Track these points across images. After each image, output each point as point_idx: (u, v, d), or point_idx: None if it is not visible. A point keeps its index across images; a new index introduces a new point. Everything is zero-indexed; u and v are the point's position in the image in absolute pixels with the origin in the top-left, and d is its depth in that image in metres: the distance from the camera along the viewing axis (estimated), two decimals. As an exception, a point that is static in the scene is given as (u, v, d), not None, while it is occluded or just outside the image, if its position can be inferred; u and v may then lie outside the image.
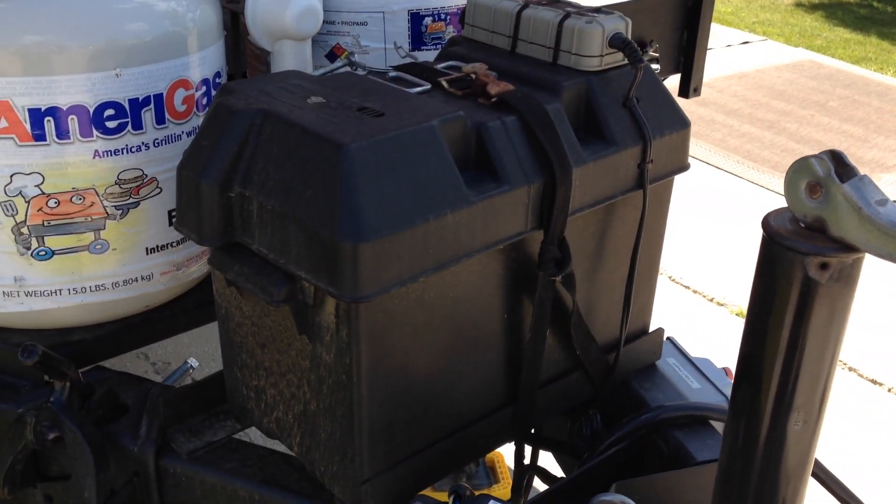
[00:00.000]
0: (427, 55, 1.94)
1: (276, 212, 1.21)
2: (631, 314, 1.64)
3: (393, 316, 1.24)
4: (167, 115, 1.55)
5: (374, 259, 1.15)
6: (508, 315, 1.44)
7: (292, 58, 1.80)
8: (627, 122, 1.49)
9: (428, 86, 1.44)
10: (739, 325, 3.67)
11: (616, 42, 1.47)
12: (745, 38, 7.56)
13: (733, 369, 1.98)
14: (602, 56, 1.48)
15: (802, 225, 1.03)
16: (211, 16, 1.66)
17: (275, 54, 1.81)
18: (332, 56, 1.94)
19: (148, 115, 1.52)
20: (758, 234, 1.06)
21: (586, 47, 1.47)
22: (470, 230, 1.27)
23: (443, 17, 1.92)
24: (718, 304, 3.83)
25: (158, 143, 1.55)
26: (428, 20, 1.91)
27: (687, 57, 3.24)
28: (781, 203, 1.07)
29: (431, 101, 1.38)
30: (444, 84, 1.44)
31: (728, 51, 7.08)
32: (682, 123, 1.58)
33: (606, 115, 1.47)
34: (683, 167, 1.60)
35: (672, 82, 3.04)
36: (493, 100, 1.38)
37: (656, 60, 3.04)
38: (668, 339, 1.90)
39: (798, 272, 1.01)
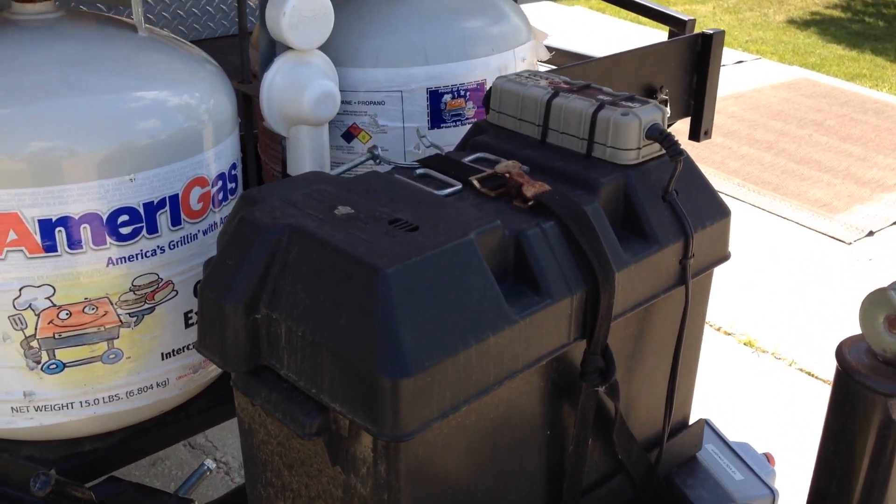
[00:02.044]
0: (447, 133, 1.87)
1: (307, 339, 1.14)
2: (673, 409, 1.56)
3: (433, 447, 1.16)
4: (183, 216, 1.48)
5: (415, 394, 1.07)
6: (550, 426, 1.36)
7: (309, 143, 1.73)
8: (668, 217, 1.42)
9: (459, 186, 1.37)
10: (747, 354, 3.62)
11: (654, 134, 1.41)
12: (738, 58, 7.51)
13: (773, 453, 1.91)
14: (639, 149, 1.42)
15: (881, 360, 0.95)
16: (226, 106, 1.59)
17: (291, 139, 1.74)
18: (348, 136, 1.87)
19: (163, 218, 1.45)
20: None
21: (623, 140, 1.41)
22: (513, 350, 1.19)
23: (462, 93, 1.86)
24: (726, 333, 3.73)
25: (174, 245, 1.48)
26: (447, 97, 1.85)
27: (697, 100, 3.19)
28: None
29: (464, 206, 1.31)
30: (476, 184, 1.36)
31: (723, 70, 7.03)
32: (722, 213, 1.51)
33: (646, 212, 1.40)
34: (725, 257, 1.53)
35: (682, 125, 2.99)
36: (530, 203, 1.31)
37: (666, 103, 3.00)
38: (704, 422, 1.82)
39: (879, 414, 0.94)
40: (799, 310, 3.54)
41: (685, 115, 3.15)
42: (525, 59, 1.98)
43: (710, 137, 3.28)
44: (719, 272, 1.50)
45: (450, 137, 1.88)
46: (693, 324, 1.53)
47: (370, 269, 1.10)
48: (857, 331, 1.08)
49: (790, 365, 3.33)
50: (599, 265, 1.28)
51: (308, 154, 1.74)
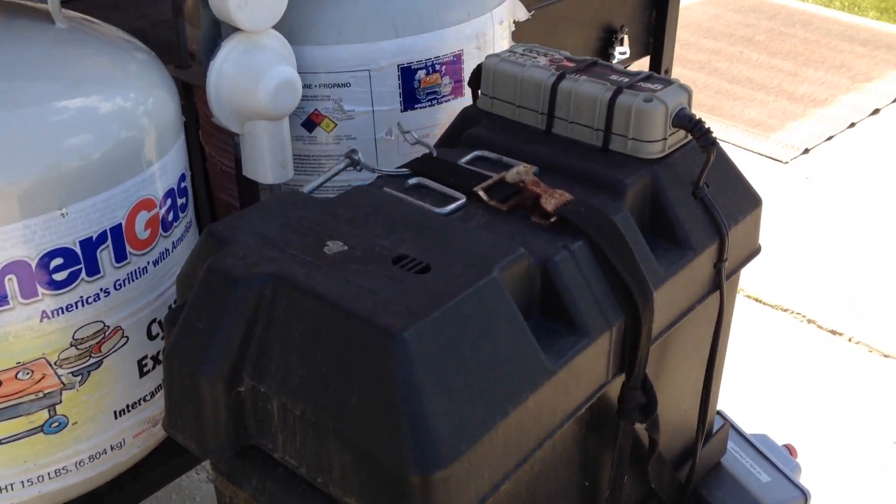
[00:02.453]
0: (422, 114, 1.64)
1: (308, 419, 0.93)
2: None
3: (468, 530, 0.97)
4: (129, 249, 1.24)
5: (450, 486, 0.88)
6: (584, 471, 1.18)
7: (268, 139, 1.48)
8: (700, 216, 1.23)
9: (462, 199, 1.15)
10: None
11: (682, 121, 1.20)
12: (664, -25, 7.28)
13: (793, 443, 1.77)
14: (665, 139, 1.22)
15: None
16: (168, 104, 1.33)
17: (246, 136, 1.49)
18: (309, 125, 1.62)
19: (105, 255, 1.21)
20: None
21: (648, 131, 1.20)
22: (552, 405, 1.00)
23: (437, 68, 1.62)
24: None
25: (120, 284, 1.24)
26: (421, 74, 1.61)
27: (656, 38, 3.02)
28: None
29: (476, 229, 1.10)
30: (483, 195, 1.15)
31: (649, -12, 6.80)
32: (754, 202, 1.33)
33: (677, 213, 1.20)
34: (756, 251, 1.36)
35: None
36: (552, 219, 1.10)
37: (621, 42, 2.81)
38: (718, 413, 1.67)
39: None
40: None
41: (644, 55, 2.98)
42: (503, 22, 1.75)
43: (670, 76, 3.11)
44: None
45: (425, 119, 1.65)
46: (723, 327, 1.36)
47: (384, 333, 0.89)
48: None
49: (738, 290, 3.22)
50: (638, 289, 1.09)
51: (267, 152, 1.49)
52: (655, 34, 2.98)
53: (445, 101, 1.66)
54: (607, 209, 1.14)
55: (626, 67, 1.33)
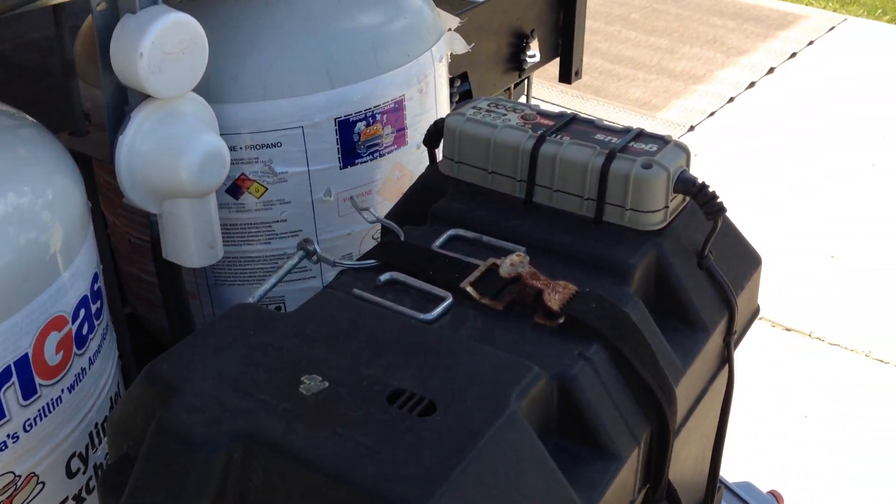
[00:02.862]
0: (364, 170, 1.45)
1: None
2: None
3: None
4: (38, 380, 1.01)
5: None
6: None
7: (192, 220, 1.27)
8: (708, 289, 1.10)
9: (449, 299, 0.98)
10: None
11: (686, 187, 1.06)
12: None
13: (778, 489, 1.68)
14: (667, 207, 1.07)
15: None
16: (72, 191, 1.11)
17: (165, 216, 1.27)
18: (235, 190, 1.41)
19: (10, 394, 0.98)
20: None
21: (649, 201, 1.06)
22: (588, 553, 0.85)
23: (377, 117, 1.43)
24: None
25: (30, 424, 1.01)
26: (360, 126, 1.42)
27: (565, 39, 2.92)
28: None
29: (470, 337, 0.92)
30: (473, 293, 0.98)
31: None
32: (754, 263, 1.20)
33: (688, 290, 1.06)
34: (756, 312, 1.23)
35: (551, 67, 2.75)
36: (560, 319, 0.94)
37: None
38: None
39: None
40: None
41: (553, 56, 2.88)
42: (442, 59, 1.58)
43: (580, 77, 3.02)
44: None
45: (367, 174, 1.47)
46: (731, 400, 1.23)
47: (396, 509, 0.71)
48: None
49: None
50: (665, 395, 0.94)
51: (192, 233, 1.28)
52: (564, 36, 2.89)
53: (388, 153, 1.48)
54: (616, 298, 0.98)
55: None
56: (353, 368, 0.85)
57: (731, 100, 4.43)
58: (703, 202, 1.05)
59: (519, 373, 0.85)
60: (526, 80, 2.86)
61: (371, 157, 1.46)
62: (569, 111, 1.18)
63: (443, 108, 1.61)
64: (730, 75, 4.66)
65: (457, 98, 2.23)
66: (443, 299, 0.98)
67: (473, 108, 1.19)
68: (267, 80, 1.35)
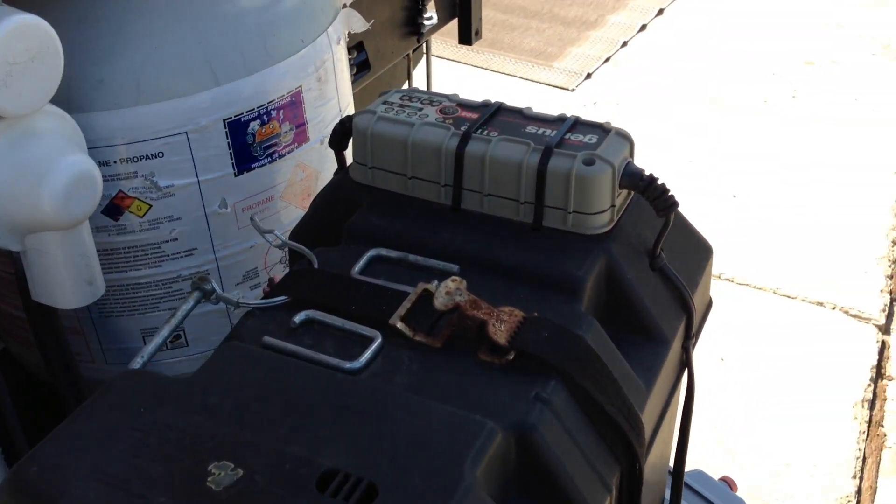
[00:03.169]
0: (263, 175, 1.29)
1: None
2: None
3: None
4: None
5: None
6: None
7: (63, 255, 1.08)
8: (663, 294, 0.98)
9: (377, 339, 0.83)
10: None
11: (633, 182, 0.94)
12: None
13: (730, 475, 1.61)
14: (614, 206, 0.95)
15: None
16: None
17: (30, 255, 1.08)
18: (114, 210, 1.22)
19: None
20: None
21: (594, 201, 0.93)
22: None
23: (273, 114, 1.26)
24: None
25: None
26: (254, 125, 1.25)
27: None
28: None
29: (407, 387, 0.79)
30: (405, 329, 0.84)
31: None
32: (706, 253, 1.10)
33: (643, 299, 0.95)
34: (710, 305, 1.13)
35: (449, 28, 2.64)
36: (509, 355, 0.81)
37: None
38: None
39: None
40: None
41: (451, 18, 2.74)
42: (340, 41, 1.41)
43: (480, 37, 2.89)
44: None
45: (267, 179, 1.30)
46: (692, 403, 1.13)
47: None
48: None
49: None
50: (633, 430, 0.83)
51: (65, 270, 1.10)
52: (462, -5, 2.74)
53: (288, 153, 1.31)
54: (568, 320, 0.86)
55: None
56: (272, 447, 0.70)
57: (625, 44, 4.39)
58: (653, 198, 0.93)
59: (471, 433, 0.72)
60: (425, 44, 2.71)
61: (269, 159, 1.29)
62: (492, 101, 1.04)
63: (345, 96, 1.44)
64: (621, 20, 4.63)
65: (354, 71, 2.06)
66: (371, 340, 0.84)
67: (384, 103, 1.04)
68: (140, 80, 1.17)
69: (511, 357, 0.81)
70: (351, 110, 1.49)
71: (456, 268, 0.92)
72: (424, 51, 2.74)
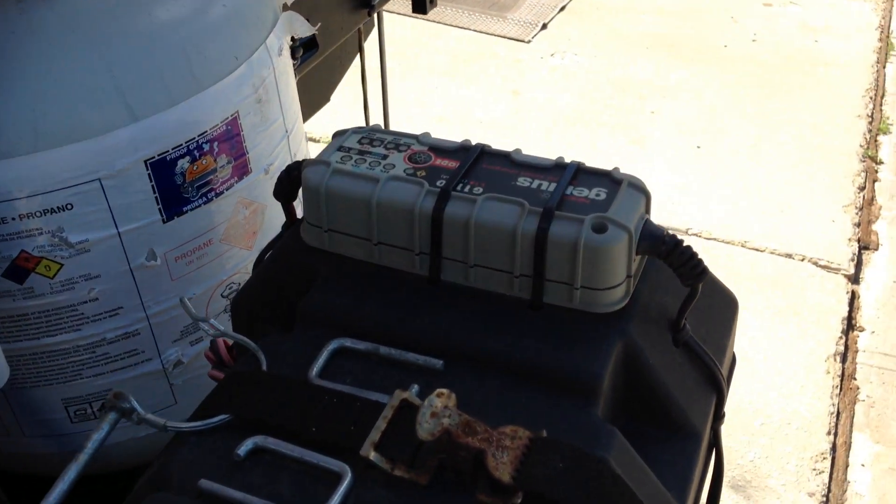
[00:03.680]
0: (199, 218, 1.09)
1: None
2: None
3: None
4: None
5: None
6: None
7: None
8: (690, 374, 0.81)
9: (347, 477, 0.65)
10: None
11: (652, 247, 0.77)
12: None
13: None
14: (630, 276, 0.77)
15: None
16: None
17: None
18: (18, 273, 1.02)
19: None
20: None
21: (607, 275, 0.75)
22: None
23: (205, 147, 1.06)
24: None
25: None
26: (183, 163, 1.05)
27: None
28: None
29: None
30: (380, 462, 0.66)
31: None
32: (731, 308, 0.93)
33: (669, 388, 0.78)
34: (734, 363, 0.97)
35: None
36: (516, 498, 0.64)
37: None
38: None
39: None
40: (513, 120, 3.21)
41: None
42: (283, 51, 1.20)
43: (436, 6, 2.69)
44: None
45: (202, 222, 1.10)
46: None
47: None
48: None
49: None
50: (670, 569, 0.66)
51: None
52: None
53: (226, 189, 1.12)
54: (584, 435, 0.68)
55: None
56: None
57: (578, -10, 4.20)
58: (678, 265, 0.76)
59: None
60: (377, 17, 2.49)
61: (204, 199, 1.09)
62: (472, 142, 0.85)
63: (292, 114, 1.24)
64: (575, -35, 4.44)
65: (300, 53, 1.84)
66: (338, 477, 0.66)
67: (340, 150, 0.85)
68: (37, 121, 0.96)
69: (518, 501, 0.64)
70: (299, 128, 1.29)
71: (439, 363, 0.74)
72: (376, 22, 2.53)
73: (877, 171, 2.91)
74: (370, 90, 2.23)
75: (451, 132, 3.01)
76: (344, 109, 2.19)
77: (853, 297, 2.41)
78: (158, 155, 1.02)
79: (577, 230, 0.74)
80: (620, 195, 0.77)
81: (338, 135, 0.88)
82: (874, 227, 2.65)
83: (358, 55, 2.17)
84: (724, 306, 0.91)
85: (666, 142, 3.05)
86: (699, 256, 0.77)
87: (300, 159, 0.89)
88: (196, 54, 1.04)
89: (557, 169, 0.81)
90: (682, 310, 0.79)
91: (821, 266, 2.51)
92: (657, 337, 0.79)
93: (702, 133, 3.11)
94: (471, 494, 0.65)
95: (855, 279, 2.46)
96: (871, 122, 3.16)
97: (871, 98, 3.28)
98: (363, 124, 1.45)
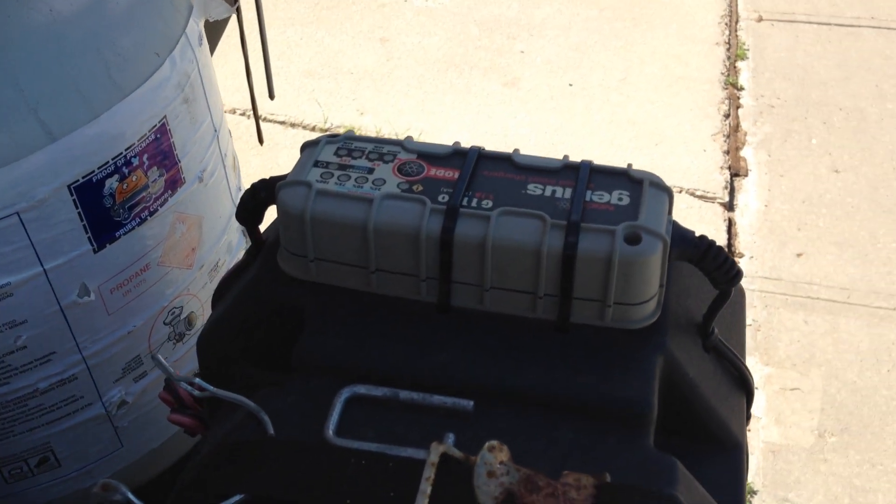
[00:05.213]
0: (130, 241, 0.96)
1: None
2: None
3: None
4: None
5: None
6: None
7: None
8: (721, 378, 0.76)
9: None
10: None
11: (686, 252, 0.70)
12: None
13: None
14: (663, 287, 0.71)
15: None
16: None
17: None
18: (-72, 330, 0.87)
19: None
20: None
21: (642, 288, 0.68)
22: None
23: (134, 162, 0.92)
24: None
25: None
26: (112, 182, 0.91)
27: None
28: None
29: None
30: (437, 538, 0.58)
31: None
32: (741, 299, 0.88)
33: (708, 399, 0.72)
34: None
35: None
36: (598, 561, 0.57)
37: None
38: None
39: None
40: (385, 69, 3.13)
41: None
42: (202, 40, 1.07)
43: None
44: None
45: (137, 247, 0.97)
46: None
47: None
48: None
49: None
50: None
51: None
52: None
53: (160, 206, 0.99)
54: (645, 471, 0.62)
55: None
56: None
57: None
58: (712, 269, 0.70)
59: None
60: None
61: (137, 221, 0.96)
62: (465, 146, 0.76)
63: (218, 110, 1.11)
64: None
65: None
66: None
67: (317, 165, 0.74)
68: (-64, 153, 0.80)
69: (599, 563, 0.57)
70: (225, 122, 1.16)
71: (469, 404, 0.66)
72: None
73: (739, 98, 2.96)
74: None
75: (322, 87, 2.87)
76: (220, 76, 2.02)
77: (730, 225, 2.46)
78: (83, 178, 0.88)
79: (608, 243, 0.67)
80: (645, 198, 0.70)
81: (308, 146, 0.77)
82: (742, 153, 2.70)
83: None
84: (735, 300, 0.86)
85: (539, 81, 3.00)
86: (732, 259, 0.71)
87: (264, 178, 0.78)
88: (112, 54, 0.90)
89: (568, 171, 0.73)
90: (711, 314, 0.74)
91: (698, 196, 2.54)
92: (690, 346, 0.73)
93: (573, 70, 3.07)
94: (541, 560, 0.58)
95: (730, 206, 2.50)
96: (728, 49, 3.20)
97: (726, 24, 3.31)
98: (247, 91, 1.27)
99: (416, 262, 0.70)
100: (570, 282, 0.68)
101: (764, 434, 1.82)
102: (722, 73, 3.03)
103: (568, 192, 0.71)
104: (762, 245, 2.29)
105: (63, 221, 0.88)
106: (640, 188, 0.71)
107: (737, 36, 3.31)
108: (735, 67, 3.11)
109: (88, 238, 0.91)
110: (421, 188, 0.72)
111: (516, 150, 0.76)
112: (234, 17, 1.22)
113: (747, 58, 3.14)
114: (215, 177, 1.06)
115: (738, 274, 0.71)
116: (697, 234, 0.71)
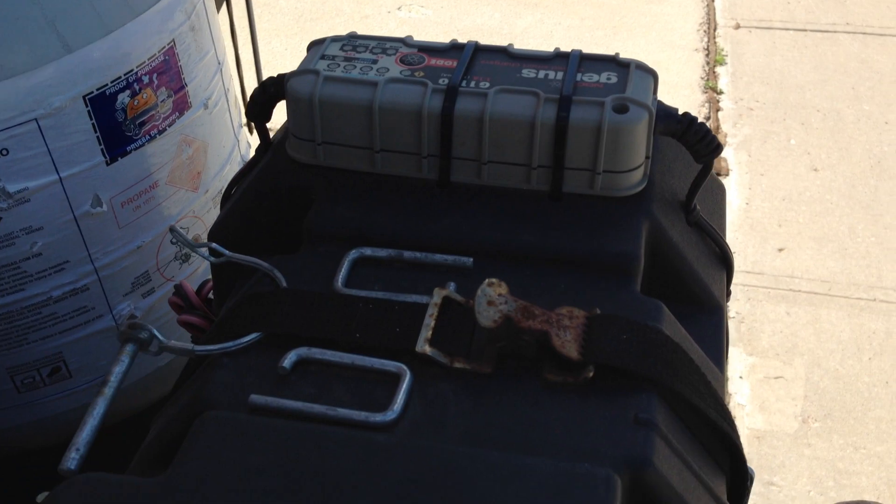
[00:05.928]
0: (145, 158, 1.01)
1: None
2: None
3: None
4: None
5: None
6: None
7: None
8: (704, 252, 0.82)
9: (406, 376, 0.62)
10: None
11: (670, 126, 0.76)
12: None
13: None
14: (649, 158, 0.77)
15: None
16: None
17: None
18: (-50, 232, 0.91)
19: None
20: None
21: (629, 156, 0.74)
22: None
23: (145, 80, 0.98)
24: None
25: None
26: (124, 98, 0.96)
27: None
28: None
29: (463, 437, 0.59)
30: (437, 356, 0.63)
31: None
32: (720, 191, 0.95)
33: (692, 264, 0.78)
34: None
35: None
36: (588, 372, 0.62)
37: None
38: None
39: None
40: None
41: None
42: (208, -22, 1.12)
43: None
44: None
45: (149, 162, 1.02)
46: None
47: None
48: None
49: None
50: (732, 430, 0.67)
51: None
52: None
53: (169, 126, 1.04)
54: (634, 310, 0.68)
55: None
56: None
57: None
58: (694, 142, 0.76)
59: (586, 493, 0.53)
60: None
61: (147, 138, 1.01)
62: (463, 40, 0.82)
63: (221, 44, 1.16)
64: None
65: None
66: (396, 377, 0.62)
67: (324, 58, 0.80)
68: (-38, 55, 0.85)
69: (591, 374, 0.62)
70: (229, 62, 1.21)
71: (469, 261, 0.71)
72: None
73: (718, 101, 3.04)
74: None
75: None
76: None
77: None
78: (97, 90, 0.93)
79: (598, 113, 0.72)
80: (632, 77, 0.76)
81: (315, 44, 0.83)
82: (723, 154, 2.78)
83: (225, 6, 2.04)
84: (715, 190, 0.92)
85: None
86: (711, 132, 0.77)
87: (257, 83, 0.83)
88: (127, -23, 0.95)
89: (560, 59, 0.79)
90: (694, 188, 0.80)
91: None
92: (673, 217, 0.79)
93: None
94: (537, 375, 0.63)
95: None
96: (707, 55, 3.29)
97: (705, 31, 3.40)
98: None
99: (418, 139, 0.76)
100: (563, 152, 0.74)
101: (749, 421, 1.86)
102: (701, 78, 3.11)
103: (560, 75, 0.77)
104: (744, 241, 2.36)
105: (78, 132, 0.93)
106: (626, 70, 0.77)
107: (715, 42, 3.40)
108: (714, 72, 3.20)
109: (101, 150, 0.96)
110: (423, 74, 0.77)
111: (510, 45, 0.82)
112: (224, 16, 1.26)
113: (726, 63, 3.23)
114: (219, 107, 1.11)
115: (718, 147, 0.77)
116: (683, 113, 0.77)
